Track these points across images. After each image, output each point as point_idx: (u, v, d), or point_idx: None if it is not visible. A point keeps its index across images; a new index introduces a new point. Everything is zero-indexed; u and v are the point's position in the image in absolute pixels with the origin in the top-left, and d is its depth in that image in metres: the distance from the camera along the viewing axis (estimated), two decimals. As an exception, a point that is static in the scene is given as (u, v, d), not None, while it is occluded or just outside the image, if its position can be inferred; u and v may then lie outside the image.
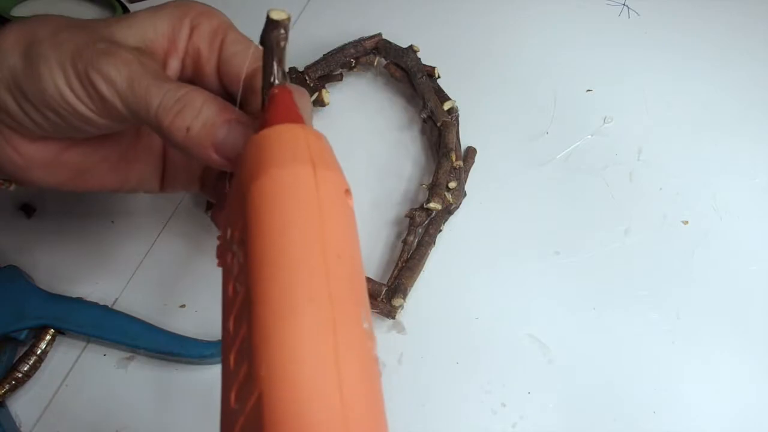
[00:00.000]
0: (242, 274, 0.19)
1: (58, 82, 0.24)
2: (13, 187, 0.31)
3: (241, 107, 0.25)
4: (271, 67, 0.23)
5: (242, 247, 0.20)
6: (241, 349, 0.18)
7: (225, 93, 0.27)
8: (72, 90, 0.24)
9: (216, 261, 0.23)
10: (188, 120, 0.24)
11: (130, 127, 0.30)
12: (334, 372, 0.17)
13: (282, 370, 0.17)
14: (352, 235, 0.21)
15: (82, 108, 0.25)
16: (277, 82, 0.23)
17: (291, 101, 0.23)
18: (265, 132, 0.21)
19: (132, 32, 0.26)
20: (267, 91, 0.23)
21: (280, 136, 0.21)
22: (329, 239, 0.19)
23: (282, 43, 0.23)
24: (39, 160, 0.27)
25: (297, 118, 0.22)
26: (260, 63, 0.23)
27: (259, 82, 0.24)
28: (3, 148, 0.27)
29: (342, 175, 0.21)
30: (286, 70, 0.24)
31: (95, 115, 0.25)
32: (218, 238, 0.23)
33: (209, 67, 0.27)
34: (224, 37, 0.27)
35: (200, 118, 0.24)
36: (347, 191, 0.21)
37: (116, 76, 0.24)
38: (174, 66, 0.28)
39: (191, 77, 0.28)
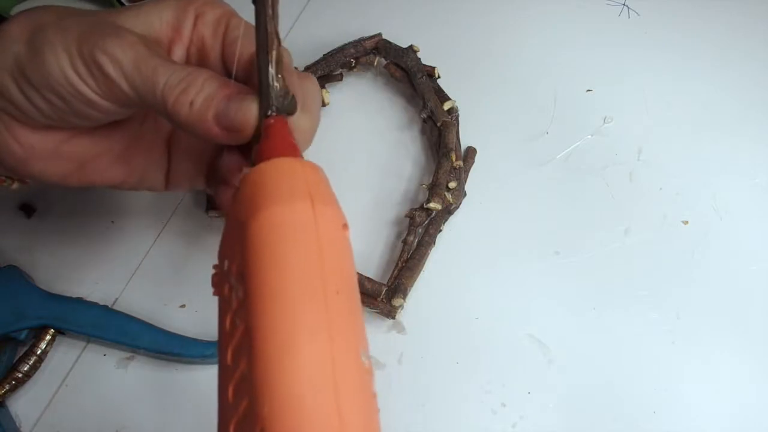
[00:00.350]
0: (242, 310, 0.19)
1: (63, 65, 0.24)
2: (15, 185, 0.31)
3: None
4: (265, 23, 0.23)
5: (241, 282, 0.20)
6: (241, 384, 0.19)
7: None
8: (76, 72, 0.24)
9: (213, 290, 0.23)
10: (191, 95, 0.24)
11: (133, 118, 0.30)
12: (335, 409, 0.18)
13: (284, 408, 0.17)
14: (350, 270, 0.21)
15: (86, 90, 0.25)
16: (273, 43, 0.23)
17: (286, 132, 0.23)
18: (263, 166, 0.21)
19: (137, 21, 0.26)
20: (263, 52, 0.23)
21: (278, 170, 0.21)
22: (328, 276, 0.19)
23: None
24: (40, 151, 0.27)
25: (294, 151, 0.22)
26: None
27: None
28: (4, 137, 0.26)
29: (339, 210, 0.21)
30: (279, 30, 0.23)
31: (100, 98, 0.25)
32: (214, 267, 0.23)
33: (214, 55, 0.28)
34: (227, 24, 0.28)
35: (202, 93, 0.24)
36: (345, 225, 0.21)
37: (123, 57, 0.24)
38: (179, 54, 0.28)
39: (196, 65, 0.28)
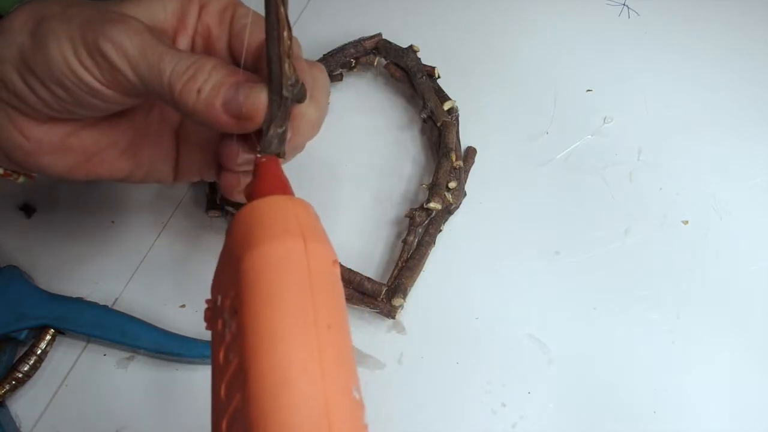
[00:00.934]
0: (235, 345, 0.20)
1: (66, 53, 0.24)
2: (21, 179, 0.30)
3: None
4: (276, 8, 0.23)
5: (234, 317, 0.20)
6: (234, 418, 0.19)
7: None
8: (79, 60, 0.24)
9: (205, 324, 0.23)
10: (199, 83, 0.24)
11: (139, 109, 0.30)
12: None
13: None
14: (340, 305, 0.21)
15: (89, 79, 0.24)
16: (282, 34, 0.23)
17: (278, 170, 0.24)
18: (256, 203, 0.22)
19: (141, 11, 0.26)
20: (273, 39, 0.23)
21: (271, 208, 0.22)
22: (320, 311, 0.20)
23: None
24: (47, 144, 0.27)
25: (286, 189, 0.23)
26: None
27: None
28: (10, 131, 0.26)
29: (330, 246, 0.22)
30: (288, 16, 0.23)
31: (103, 86, 0.25)
32: (207, 302, 0.23)
33: (220, 45, 0.28)
34: (233, 13, 0.27)
35: (210, 80, 0.24)
36: (335, 262, 0.22)
37: (128, 45, 0.24)
38: (183, 44, 0.28)
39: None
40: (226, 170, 0.28)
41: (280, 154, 0.25)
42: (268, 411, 0.18)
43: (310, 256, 0.21)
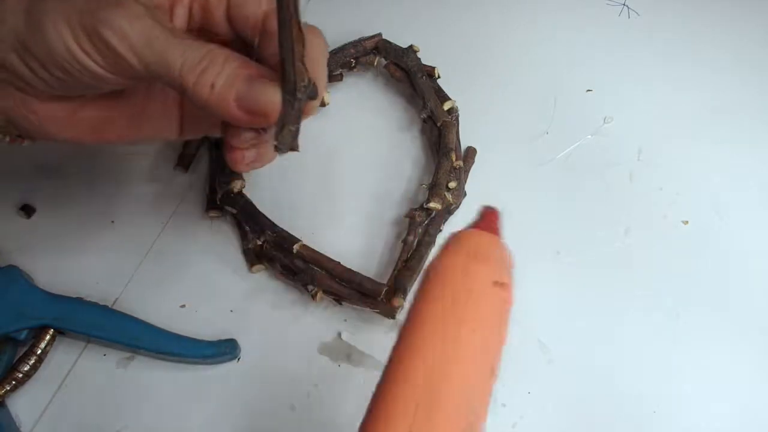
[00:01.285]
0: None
1: (66, 39, 0.24)
2: (26, 143, 0.30)
3: (258, 52, 0.26)
4: (289, 14, 0.23)
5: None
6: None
7: (236, 38, 0.28)
8: (81, 46, 0.24)
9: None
10: (212, 77, 0.24)
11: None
12: None
13: None
14: (490, 322, 0.24)
15: (92, 66, 0.24)
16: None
17: (496, 221, 0.27)
18: (463, 233, 0.25)
19: None
20: (287, 41, 0.23)
21: (469, 238, 0.25)
22: (463, 321, 0.22)
23: None
24: (53, 118, 0.27)
25: (494, 231, 0.27)
26: (272, 5, 0.23)
27: (273, 25, 0.24)
28: (17, 106, 0.26)
29: (497, 271, 0.25)
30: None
31: (107, 72, 0.25)
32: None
33: (218, 14, 0.28)
34: None
35: (223, 74, 0.24)
36: (496, 283, 0.25)
37: (129, 31, 0.24)
38: (180, 14, 0.28)
39: (200, 25, 0.28)
40: (231, 146, 0.28)
41: (294, 148, 0.26)
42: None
43: (469, 272, 0.23)
